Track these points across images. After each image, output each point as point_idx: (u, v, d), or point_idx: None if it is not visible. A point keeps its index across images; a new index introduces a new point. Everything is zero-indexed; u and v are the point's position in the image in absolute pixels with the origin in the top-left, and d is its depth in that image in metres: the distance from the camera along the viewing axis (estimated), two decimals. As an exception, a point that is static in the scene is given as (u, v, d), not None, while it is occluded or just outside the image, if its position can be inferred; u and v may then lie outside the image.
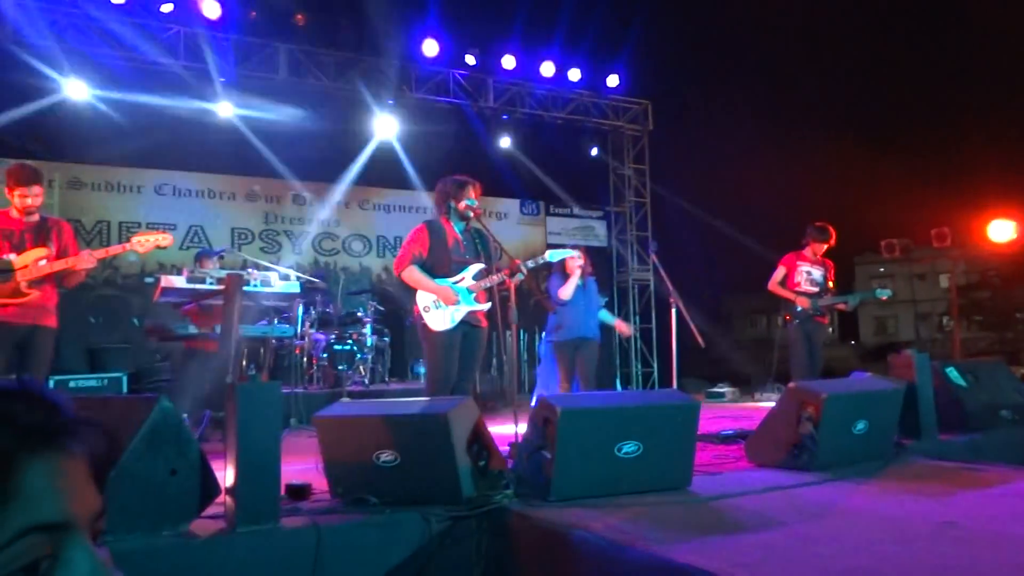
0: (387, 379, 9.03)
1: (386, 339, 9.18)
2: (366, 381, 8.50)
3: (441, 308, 4.58)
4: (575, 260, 6.37)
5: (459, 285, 4.66)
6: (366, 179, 11.24)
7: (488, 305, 4.68)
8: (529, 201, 12.81)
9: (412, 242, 4.66)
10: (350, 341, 8.41)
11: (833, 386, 3.98)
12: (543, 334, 6.89)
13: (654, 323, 12.71)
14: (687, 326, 6.35)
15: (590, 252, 6.84)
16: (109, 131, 9.17)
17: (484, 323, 4.72)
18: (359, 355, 8.46)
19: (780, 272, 7.25)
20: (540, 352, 6.99)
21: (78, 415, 0.72)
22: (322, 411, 3.34)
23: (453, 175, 4.80)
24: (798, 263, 7.22)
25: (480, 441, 3.20)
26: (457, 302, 4.57)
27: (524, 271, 4.52)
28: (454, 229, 4.74)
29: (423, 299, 4.61)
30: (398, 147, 11.11)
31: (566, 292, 6.36)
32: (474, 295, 4.66)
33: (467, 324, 4.62)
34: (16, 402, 0.70)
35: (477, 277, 4.69)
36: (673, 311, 6.37)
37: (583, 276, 6.46)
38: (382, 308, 9.01)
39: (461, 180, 4.74)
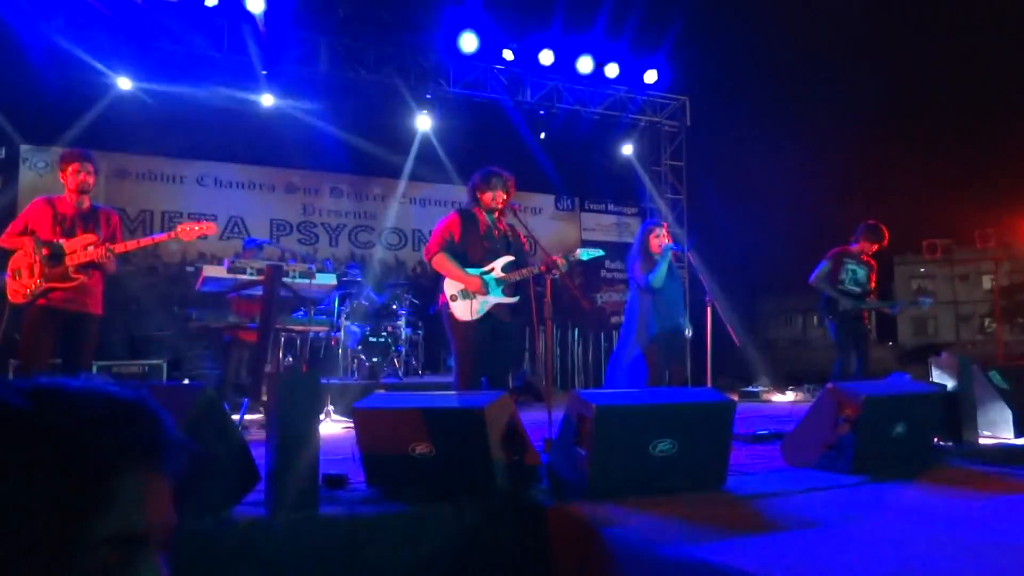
0: (420, 372, 9.08)
1: (420, 332, 9.22)
2: (400, 373, 8.53)
3: (468, 298, 4.56)
4: (661, 237, 5.90)
5: (488, 275, 4.64)
6: (403, 173, 11.32)
7: (516, 299, 4.64)
8: (564, 196, 12.77)
9: (443, 227, 4.66)
10: (385, 334, 8.47)
11: (872, 388, 3.93)
12: (618, 337, 6.35)
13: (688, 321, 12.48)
14: (722, 324, 6.27)
15: (627, 248, 6.68)
16: (153, 122, 9.34)
17: (511, 316, 4.67)
18: (394, 348, 8.51)
19: (825, 267, 7.11)
20: (606, 369, 6.63)
21: (176, 437, 0.74)
22: (360, 402, 3.36)
23: (488, 167, 4.81)
24: (845, 260, 7.09)
25: (515, 436, 3.21)
26: (486, 292, 4.55)
27: (561, 269, 4.50)
28: (486, 219, 4.73)
29: (450, 287, 4.60)
30: (435, 141, 11.16)
31: (658, 278, 5.78)
32: (502, 287, 4.63)
33: (494, 317, 4.58)
34: (127, 414, 0.72)
35: (506, 269, 4.66)
36: (709, 309, 6.24)
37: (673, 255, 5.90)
38: (416, 301, 9.05)
39: (487, 172, 4.74)
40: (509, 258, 4.69)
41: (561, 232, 12.64)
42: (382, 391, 4.63)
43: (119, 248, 4.70)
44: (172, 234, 4.84)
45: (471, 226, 4.66)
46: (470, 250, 4.63)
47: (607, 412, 3.13)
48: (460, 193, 10.76)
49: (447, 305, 4.59)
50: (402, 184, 11.58)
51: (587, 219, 12.99)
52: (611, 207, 13.15)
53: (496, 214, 4.74)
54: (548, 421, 4.36)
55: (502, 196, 4.69)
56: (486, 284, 4.56)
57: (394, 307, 8.84)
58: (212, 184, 10.48)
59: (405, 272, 11.28)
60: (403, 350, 8.76)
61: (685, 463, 3.24)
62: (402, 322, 8.75)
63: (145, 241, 4.84)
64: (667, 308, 5.87)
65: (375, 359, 8.29)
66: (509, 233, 4.81)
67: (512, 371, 9.34)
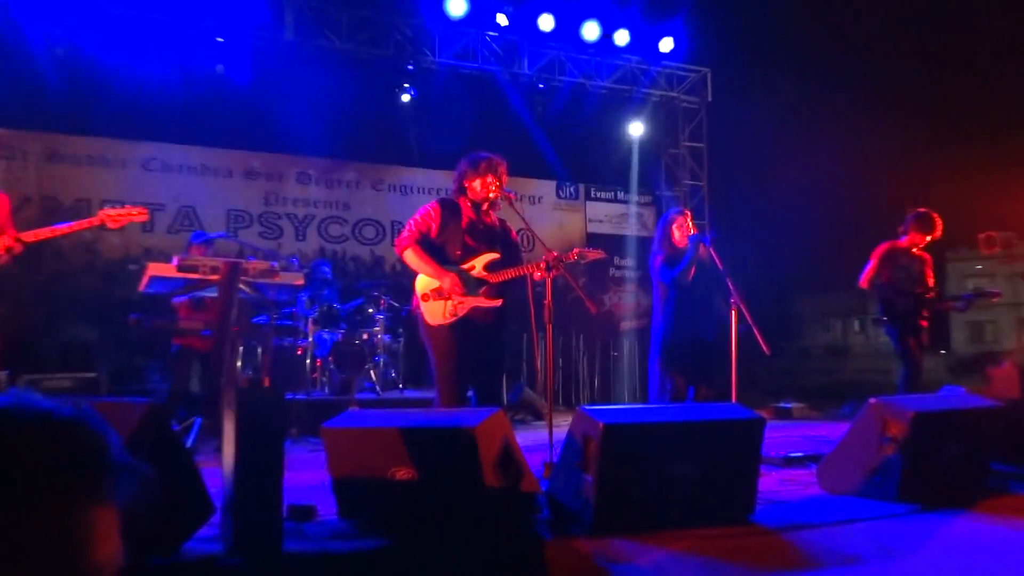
0: (401, 386, 9.09)
1: (400, 339, 9.24)
2: (378, 388, 8.57)
3: (442, 298, 4.61)
4: (685, 227, 5.92)
5: (468, 274, 4.68)
6: (381, 156, 11.32)
7: (498, 302, 4.67)
8: (567, 183, 12.77)
9: (420, 218, 4.71)
10: (360, 341, 8.49)
11: (921, 403, 3.95)
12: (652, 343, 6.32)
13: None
14: (749, 330, 6.05)
15: (639, 242, 6.67)
16: (92, 98, 9.30)
17: (493, 320, 4.70)
18: (370, 358, 8.54)
19: (875, 266, 7.14)
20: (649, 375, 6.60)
21: (125, 460, 0.72)
22: (331, 421, 3.38)
23: (477, 152, 4.86)
24: (894, 256, 7.13)
25: (510, 459, 3.23)
26: (463, 293, 4.59)
27: (569, 264, 4.57)
28: (471, 211, 4.78)
29: (423, 285, 4.65)
30: (418, 120, 11.25)
31: (683, 274, 5.78)
32: (483, 288, 4.65)
33: (474, 322, 4.62)
34: (65, 434, 0.69)
35: (490, 268, 4.68)
36: (734, 312, 6.02)
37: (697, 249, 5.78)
38: (396, 304, 9.04)
39: (476, 157, 4.79)
40: (493, 256, 4.73)
41: (564, 224, 12.66)
42: (356, 408, 4.81)
43: (28, 237, 4.56)
44: (94, 221, 4.75)
45: (453, 218, 4.72)
46: (449, 245, 4.68)
47: (617, 431, 3.15)
48: (446, 180, 10.45)
49: (419, 306, 4.67)
50: (380, 169, 11.61)
51: (593, 209, 12.99)
52: (621, 195, 13.13)
53: (485, 205, 4.78)
54: (549, 442, 4.41)
55: (493, 185, 4.74)
56: (464, 283, 4.61)
57: (370, 311, 8.90)
58: (160, 169, 10.44)
59: (383, 270, 11.33)
60: (381, 360, 8.80)
61: (707, 490, 3.26)
62: (380, 328, 8.75)
63: (59, 230, 4.67)
64: (691, 311, 5.89)
65: (349, 371, 8.33)
66: (498, 228, 4.87)
67: (507, 384, 9.24)
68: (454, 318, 4.58)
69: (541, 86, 11.80)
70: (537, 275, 4.52)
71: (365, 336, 8.65)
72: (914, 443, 3.68)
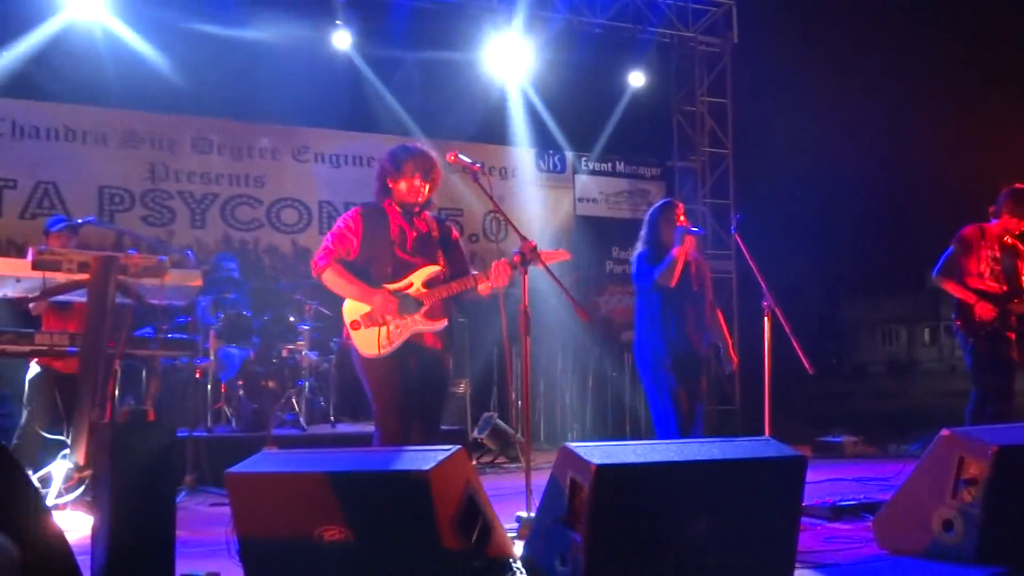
0: (333, 418, 9.12)
1: (331, 358, 9.23)
2: (303, 421, 8.59)
3: (376, 324, 4.86)
4: (675, 217, 6.32)
5: (405, 292, 4.91)
6: (306, 116, 11.25)
7: (442, 323, 4.93)
8: (551, 151, 12.72)
9: (338, 234, 4.99)
10: (278, 360, 8.49)
11: (1008, 435, 4.01)
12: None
13: (737, 338, 12.46)
14: (787, 342, 6.21)
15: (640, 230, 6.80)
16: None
17: (439, 345, 4.98)
18: (292, 382, 8.55)
19: (953, 255, 7.22)
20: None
21: None
22: (239, 466, 3.44)
23: (402, 146, 5.13)
24: (982, 244, 7.19)
25: (475, 513, 3.30)
26: (400, 315, 4.84)
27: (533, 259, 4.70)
28: (400, 216, 5.04)
29: (351, 311, 4.91)
30: (358, 66, 11.27)
31: (667, 273, 6.18)
32: (423, 308, 4.90)
33: (417, 349, 4.90)
34: None
35: (431, 284, 4.94)
36: (767, 319, 6.21)
37: (691, 243, 6.27)
38: (326, 311, 8.99)
39: (398, 157, 5.03)
40: (434, 268, 4.99)
41: (548, 203, 12.62)
42: (273, 449, 4.97)
43: None
44: None
45: (379, 228, 4.99)
46: (377, 262, 4.96)
47: (613, 475, 3.20)
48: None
49: (350, 336, 4.93)
50: (304, 133, 11.52)
51: (586, 184, 12.96)
52: (622, 166, 13.11)
53: (416, 209, 5.05)
54: (526, 490, 4.48)
55: (423, 187, 5.01)
56: (401, 304, 4.86)
57: (292, 320, 8.88)
58: (8, 133, 10.30)
59: (309, 267, 11.18)
60: (306, 385, 8.79)
61: (730, 550, 3.32)
62: (305, 343, 8.77)
63: None
64: (678, 320, 6.27)
65: (263, 399, 8.31)
66: (436, 232, 5.15)
67: (472, 415, 9.72)
68: (392, 346, 4.84)
69: (519, 24, 11.75)
70: (482, 287, 4.84)
71: (285, 353, 8.67)
72: (999, 487, 3.72)
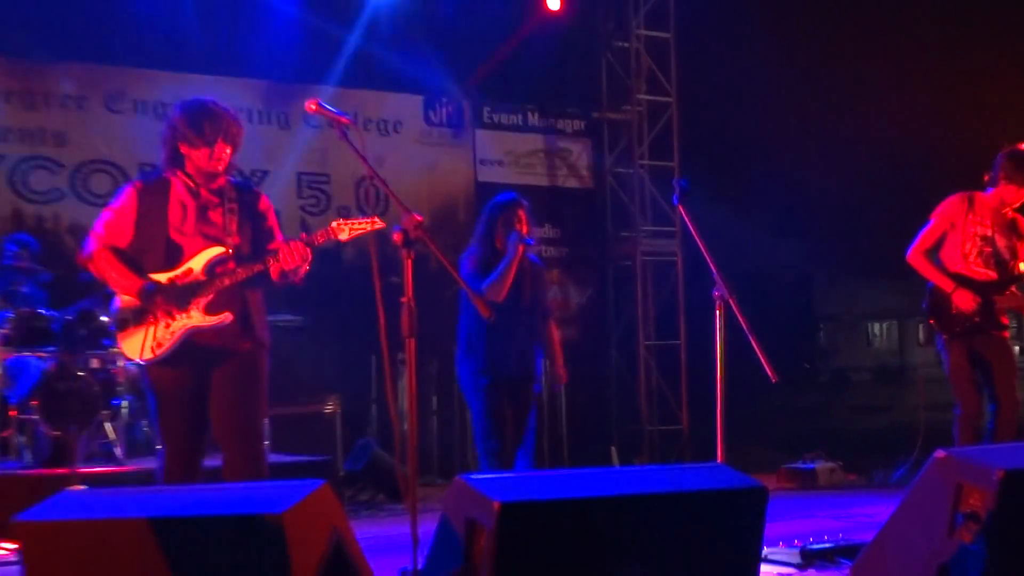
0: (159, 447, 8.56)
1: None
2: (119, 452, 8.09)
3: (142, 323, 4.79)
4: (517, 218, 6.46)
5: (180, 282, 4.83)
6: (122, 53, 10.45)
7: (226, 318, 4.83)
8: (444, 100, 11.99)
9: (109, 216, 4.99)
10: (85, 372, 8.00)
11: (1017, 456, 3.88)
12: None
13: (683, 338, 12.02)
14: (746, 342, 5.77)
15: (562, 199, 7.32)
16: None
17: (243, 345, 4.92)
18: (104, 400, 8.04)
19: (933, 231, 6.90)
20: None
21: None
22: (32, 511, 3.27)
23: (199, 101, 4.98)
24: (969, 217, 6.85)
25: (343, 566, 3.18)
26: (173, 310, 4.78)
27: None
28: (186, 192, 5.01)
29: (123, 308, 4.97)
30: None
31: (496, 285, 6.30)
32: (200, 301, 4.81)
33: (201, 350, 4.86)
34: None
35: (213, 271, 4.87)
36: (718, 314, 5.83)
37: (523, 253, 6.42)
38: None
39: (193, 113, 4.90)
40: (216, 250, 4.92)
41: (439, 165, 11.90)
42: (80, 487, 4.69)
43: None
44: None
45: (156, 206, 4.95)
46: (151, 247, 4.90)
47: (521, 514, 3.03)
48: (244, 93, 10.36)
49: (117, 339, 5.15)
50: (120, 75, 10.59)
51: (488, 142, 12.10)
52: (536, 120, 12.36)
53: (216, 179, 5.02)
54: (411, 536, 4.23)
55: (224, 152, 4.90)
56: (170, 295, 4.79)
57: (103, 319, 8.12)
58: None
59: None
60: (124, 405, 8.27)
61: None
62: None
63: None
64: (504, 340, 6.32)
65: (67, 425, 7.64)
66: (233, 205, 5.05)
67: (342, 441, 8.96)
68: (162, 349, 4.75)
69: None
70: (291, 265, 4.65)
71: (95, 363, 8.24)
72: (1006, 522, 3.56)
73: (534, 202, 11.84)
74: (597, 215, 12.44)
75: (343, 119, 4.72)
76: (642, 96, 12.18)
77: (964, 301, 6.64)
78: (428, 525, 3.86)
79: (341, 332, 9.79)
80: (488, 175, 11.85)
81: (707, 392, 6.38)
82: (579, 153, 12.20)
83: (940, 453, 3.81)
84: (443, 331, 9.53)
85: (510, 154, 12.08)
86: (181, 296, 4.73)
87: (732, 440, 6.09)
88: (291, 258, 4.61)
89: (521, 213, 6.54)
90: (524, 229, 6.47)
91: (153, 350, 4.68)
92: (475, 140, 12.01)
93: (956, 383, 6.81)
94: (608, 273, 12.38)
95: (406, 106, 11.70)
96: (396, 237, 4.47)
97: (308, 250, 4.67)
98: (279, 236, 5.10)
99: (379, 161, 9.53)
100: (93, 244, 4.85)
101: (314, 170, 10.62)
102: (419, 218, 4.50)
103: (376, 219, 4.89)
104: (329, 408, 9.33)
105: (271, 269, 4.69)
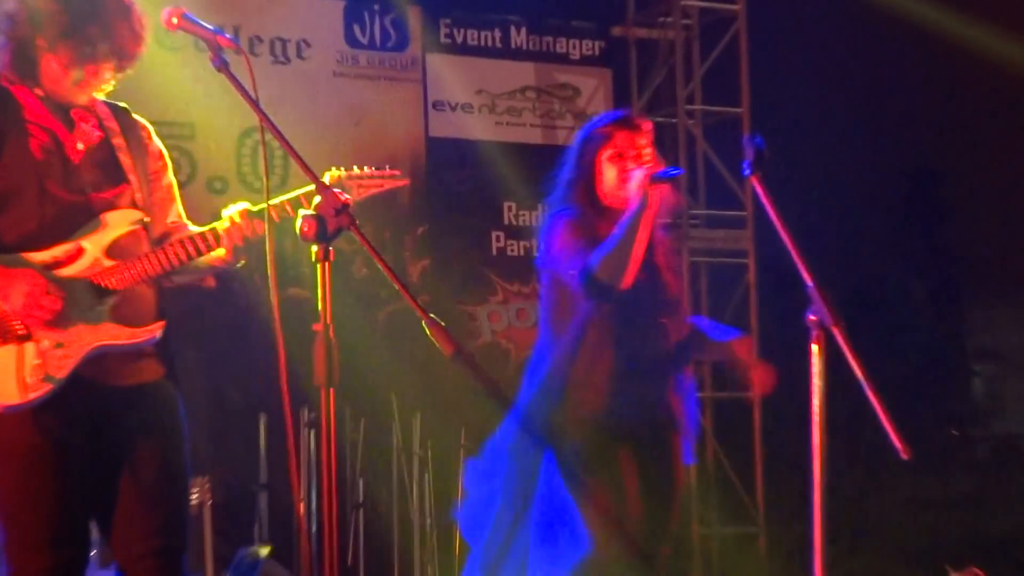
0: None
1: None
2: None
3: (9, 343, 3.77)
4: (634, 147, 4.75)
5: (65, 272, 3.76)
6: None
7: (151, 331, 3.79)
8: (377, 7, 9.62)
9: None
10: None
11: None
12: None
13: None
14: (860, 398, 3.50)
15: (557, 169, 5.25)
16: None
17: (155, 371, 3.88)
18: None
19: None
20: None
21: None
22: None
23: None
24: None
25: None
26: (57, 320, 3.69)
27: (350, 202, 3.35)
28: (50, 113, 3.91)
29: None
30: None
31: (610, 261, 4.53)
32: (112, 299, 3.77)
33: (99, 388, 3.74)
34: None
35: (120, 250, 3.83)
36: (815, 352, 3.46)
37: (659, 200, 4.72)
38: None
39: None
40: (131, 215, 3.86)
41: (368, 114, 9.57)
42: None
43: None
44: None
45: (14, 139, 3.81)
46: (17, 208, 3.80)
47: None
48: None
49: None
50: None
51: (449, 74, 9.71)
52: (520, 38, 9.89)
53: (83, 91, 3.95)
54: None
55: (105, 72, 3.84)
56: (62, 292, 3.67)
57: None
58: None
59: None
60: None
61: None
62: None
63: None
64: (634, 357, 4.69)
65: None
66: (116, 139, 3.95)
67: (212, 547, 7.74)
68: (45, 387, 3.69)
69: None
70: (229, 252, 3.75)
71: None
72: None
73: (523, 171, 9.36)
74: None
75: (222, 39, 3.52)
76: (691, 2, 9.93)
77: None
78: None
79: (209, 384, 8.15)
80: (446, 127, 9.59)
81: (794, 474, 5.94)
82: (591, 93, 10.00)
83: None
84: (378, 373, 8.21)
85: (482, 94, 9.88)
86: (84, 296, 3.76)
87: (838, 552, 6.05)
88: (236, 234, 3.71)
89: (639, 135, 4.86)
90: (650, 160, 4.78)
91: (30, 389, 3.61)
92: (426, 71, 9.71)
93: None
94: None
95: (318, 16, 9.53)
96: (305, 228, 3.16)
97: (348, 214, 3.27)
98: (174, 193, 4.09)
99: (277, 104, 7.70)
100: None
101: (169, 118, 7.96)
102: (344, 198, 3.32)
103: (397, 171, 4.19)
104: (193, 497, 7.37)
105: (223, 244, 3.73)
